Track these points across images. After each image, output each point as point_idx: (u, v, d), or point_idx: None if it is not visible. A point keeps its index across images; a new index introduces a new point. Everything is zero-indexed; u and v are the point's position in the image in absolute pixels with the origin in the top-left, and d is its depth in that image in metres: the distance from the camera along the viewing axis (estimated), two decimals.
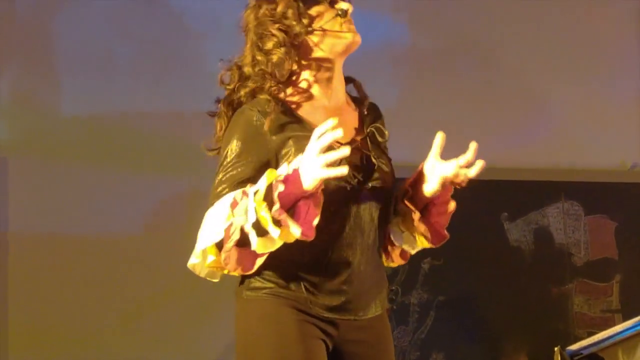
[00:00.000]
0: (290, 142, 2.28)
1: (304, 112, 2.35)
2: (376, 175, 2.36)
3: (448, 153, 2.34)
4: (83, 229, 4.37)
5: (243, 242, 2.14)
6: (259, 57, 2.34)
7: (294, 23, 2.31)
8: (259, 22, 2.34)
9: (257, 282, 2.33)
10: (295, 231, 2.09)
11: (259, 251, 2.15)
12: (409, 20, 4.91)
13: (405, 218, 2.44)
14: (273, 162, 2.27)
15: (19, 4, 4.48)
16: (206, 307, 4.35)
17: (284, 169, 2.14)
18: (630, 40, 5.16)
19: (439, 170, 2.32)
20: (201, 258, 2.24)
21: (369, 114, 2.46)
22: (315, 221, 2.14)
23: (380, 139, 2.43)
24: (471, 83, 4.89)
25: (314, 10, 2.35)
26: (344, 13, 2.33)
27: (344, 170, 2.09)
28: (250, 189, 2.16)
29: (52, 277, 4.35)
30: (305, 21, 2.31)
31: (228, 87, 2.39)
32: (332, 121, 2.10)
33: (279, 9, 2.33)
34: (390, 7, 4.87)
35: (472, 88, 4.89)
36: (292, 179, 2.10)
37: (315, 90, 2.38)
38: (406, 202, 2.39)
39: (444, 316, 4.67)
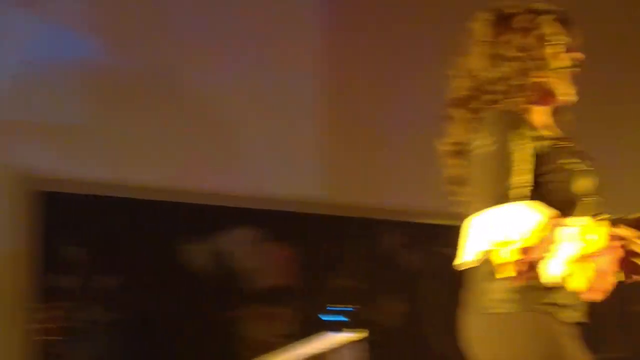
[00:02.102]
0: (547, 146, 2.44)
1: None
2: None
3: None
4: None
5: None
6: (498, 75, 2.51)
7: (538, 61, 2.52)
8: (506, 43, 2.53)
9: (505, 296, 2.41)
10: (594, 294, 2.22)
11: (546, 280, 2.23)
12: (103, 38, 4.88)
13: None
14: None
15: None
16: None
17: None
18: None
19: None
20: (479, 257, 2.31)
21: None
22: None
23: None
24: (160, 104, 4.94)
25: (552, 50, 2.54)
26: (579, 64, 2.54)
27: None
28: (570, 228, 2.21)
29: None
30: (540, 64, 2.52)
31: (465, 92, 2.58)
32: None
33: (529, 40, 2.52)
34: (87, 26, 4.82)
35: (161, 110, 4.94)
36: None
37: (540, 112, 2.57)
38: None
39: (117, 337, 4.67)
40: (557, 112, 2.64)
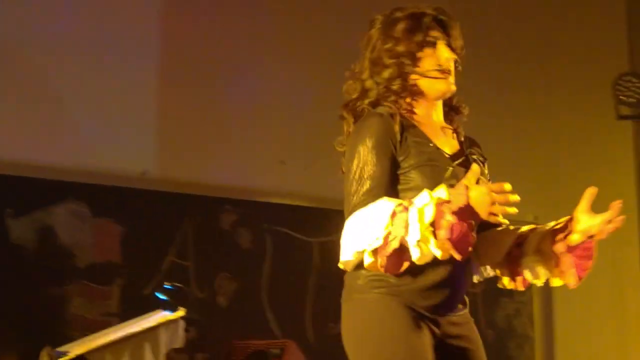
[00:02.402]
0: (410, 144, 2.63)
1: (416, 122, 2.70)
2: None
3: None
4: None
5: (399, 250, 2.43)
6: (378, 80, 2.73)
7: (407, 63, 2.70)
8: (377, 52, 2.73)
9: (366, 284, 2.62)
10: (456, 255, 2.39)
11: (418, 262, 2.44)
12: None
13: (545, 257, 2.75)
14: (395, 155, 2.61)
15: None
16: None
17: (443, 194, 2.41)
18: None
19: (584, 225, 2.69)
20: (355, 258, 2.51)
21: (467, 140, 2.81)
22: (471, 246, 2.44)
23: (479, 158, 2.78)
24: None
25: (425, 53, 2.71)
26: (440, 69, 2.70)
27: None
28: (412, 207, 2.43)
29: None
30: (414, 63, 2.70)
31: (352, 97, 2.76)
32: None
33: (399, 48, 2.71)
34: None
35: None
36: (466, 212, 2.40)
37: (423, 106, 2.74)
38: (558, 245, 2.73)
39: None
40: (450, 111, 2.82)
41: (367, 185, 2.57)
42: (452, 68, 2.73)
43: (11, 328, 4.68)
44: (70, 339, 4.41)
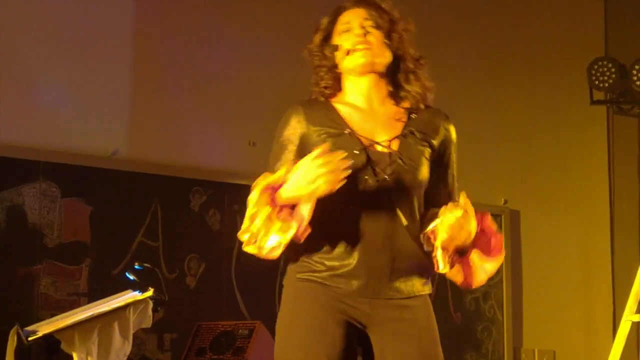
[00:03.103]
0: (320, 131, 2.77)
1: (343, 111, 2.82)
2: (393, 169, 2.73)
3: None
4: None
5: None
6: (313, 75, 2.90)
7: (323, 54, 2.87)
8: (309, 50, 2.91)
9: (293, 269, 2.77)
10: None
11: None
12: None
13: None
14: (304, 143, 2.77)
15: None
16: None
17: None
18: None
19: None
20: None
21: (418, 119, 2.84)
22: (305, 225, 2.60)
23: (412, 141, 2.80)
24: None
25: (335, 40, 2.86)
26: (335, 48, 2.83)
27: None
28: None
29: None
30: (328, 52, 2.86)
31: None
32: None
33: (314, 45, 2.89)
34: None
35: None
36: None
37: (352, 95, 2.85)
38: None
39: None
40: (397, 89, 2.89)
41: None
42: (353, 42, 2.83)
43: None
44: (39, 318, 4.47)
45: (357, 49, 2.80)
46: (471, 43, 6.51)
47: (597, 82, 6.25)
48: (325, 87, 2.86)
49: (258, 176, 2.69)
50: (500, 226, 6.42)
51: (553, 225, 6.70)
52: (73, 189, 5.07)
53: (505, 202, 6.59)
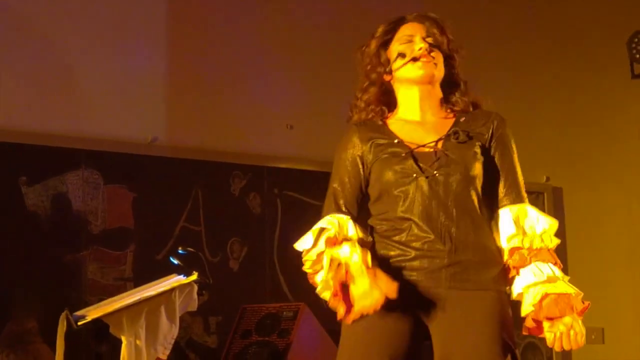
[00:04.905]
0: (372, 145, 2.93)
1: (393, 126, 2.98)
2: (440, 164, 2.87)
3: None
4: None
5: None
6: (358, 94, 3.06)
7: (377, 67, 3.01)
8: (364, 53, 3.05)
9: None
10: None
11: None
12: None
13: None
14: (360, 163, 2.95)
15: None
16: None
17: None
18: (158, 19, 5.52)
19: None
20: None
21: (466, 120, 2.98)
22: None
23: (458, 138, 2.92)
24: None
25: (395, 48, 3.00)
26: (403, 55, 2.96)
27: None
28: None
29: None
30: (383, 65, 3.01)
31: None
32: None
33: (370, 49, 3.03)
34: None
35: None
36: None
37: (404, 109, 3.01)
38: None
39: None
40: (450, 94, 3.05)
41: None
42: (418, 54, 2.97)
43: (30, 294, 4.84)
44: (87, 303, 4.55)
45: (422, 60, 2.96)
46: (509, 24, 6.55)
47: (638, 56, 6.23)
48: (368, 104, 3.05)
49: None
50: (543, 203, 6.49)
51: (596, 202, 6.72)
52: (115, 176, 5.19)
53: (548, 179, 6.61)
